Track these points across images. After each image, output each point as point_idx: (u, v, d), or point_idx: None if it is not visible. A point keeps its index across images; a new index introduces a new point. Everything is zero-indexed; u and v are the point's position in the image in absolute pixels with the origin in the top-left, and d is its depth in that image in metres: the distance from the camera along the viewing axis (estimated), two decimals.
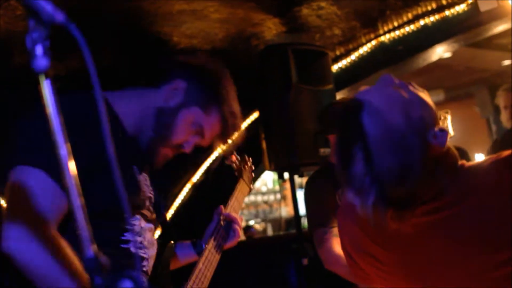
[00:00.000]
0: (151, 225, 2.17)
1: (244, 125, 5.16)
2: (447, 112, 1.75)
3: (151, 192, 2.22)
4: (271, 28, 4.27)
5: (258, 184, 10.65)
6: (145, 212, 2.13)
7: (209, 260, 2.31)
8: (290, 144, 3.82)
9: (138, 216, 2.07)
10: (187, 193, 5.43)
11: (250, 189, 2.89)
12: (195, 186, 5.43)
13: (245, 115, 5.12)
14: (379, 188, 1.61)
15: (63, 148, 1.02)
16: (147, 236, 2.12)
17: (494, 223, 1.63)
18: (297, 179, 4.19)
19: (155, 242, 2.20)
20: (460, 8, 4.62)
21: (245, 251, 5.66)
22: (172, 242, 2.37)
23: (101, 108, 1.13)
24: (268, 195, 11.61)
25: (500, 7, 4.55)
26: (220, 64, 2.32)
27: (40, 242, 1.72)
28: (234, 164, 2.85)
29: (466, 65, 7.63)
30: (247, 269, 5.26)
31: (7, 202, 1.83)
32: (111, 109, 2.07)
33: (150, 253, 2.12)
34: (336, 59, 4.98)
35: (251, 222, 8.25)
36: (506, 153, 1.70)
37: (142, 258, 2.06)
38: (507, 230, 1.61)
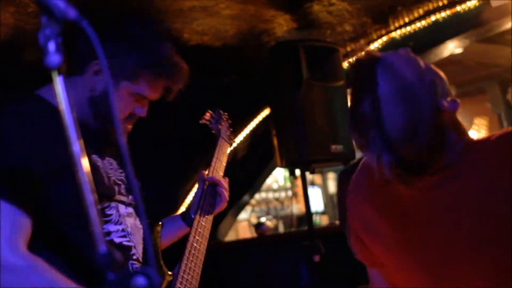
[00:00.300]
0: (131, 210, 2.06)
1: (255, 121, 5.17)
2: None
3: (122, 175, 2.10)
4: (282, 25, 4.27)
5: (269, 181, 10.63)
6: (120, 197, 2.02)
7: (199, 232, 2.23)
8: (301, 140, 3.81)
9: (114, 204, 1.98)
10: None
11: (231, 145, 2.69)
12: None
13: (256, 112, 5.12)
14: (385, 138, 1.66)
15: (76, 145, 1.02)
16: (129, 222, 2.02)
17: (498, 197, 1.64)
18: (308, 176, 4.18)
19: (140, 226, 2.08)
20: (472, 3, 4.60)
21: (256, 248, 5.67)
22: (160, 223, 2.29)
23: (114, 107, 1.13)
24: (279, 192, 11.58)
25: None
26: (131, 19, 2.09)
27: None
28: (209, 123, 2.66)
29: (477, 61, 7.59)
30: (259, 266, 5.26)
31: None
32: (48, 104, 1.94)
33: (136, 239, 2.03)
34: (347, 55, 4.97)
35: (263, 219, 8.23)
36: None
37: (129, 247, 1.97)
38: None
